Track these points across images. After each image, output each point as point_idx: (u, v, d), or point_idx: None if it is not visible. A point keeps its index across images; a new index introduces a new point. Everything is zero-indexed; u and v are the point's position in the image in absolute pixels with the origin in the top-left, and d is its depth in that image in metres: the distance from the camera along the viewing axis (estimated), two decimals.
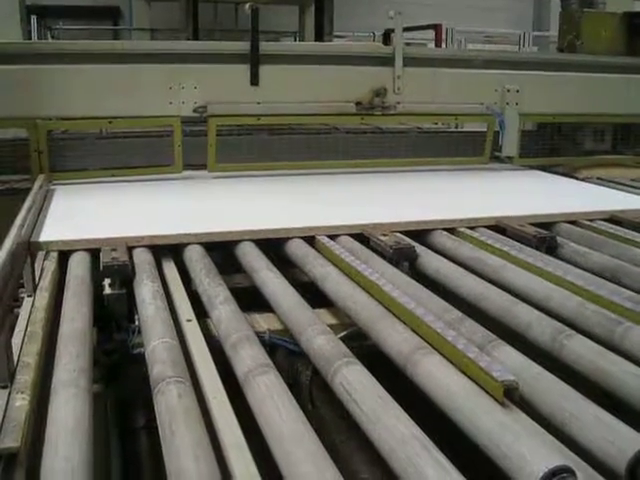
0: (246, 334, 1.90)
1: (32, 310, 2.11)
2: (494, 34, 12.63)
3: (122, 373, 2.35)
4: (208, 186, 4.19)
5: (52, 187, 3.85)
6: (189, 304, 2.26)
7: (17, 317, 2.13)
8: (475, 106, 4.80)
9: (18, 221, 2.59)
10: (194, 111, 4.23)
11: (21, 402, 1.55)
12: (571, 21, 5.35)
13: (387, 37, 5.07)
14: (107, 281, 2.45)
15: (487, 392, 1.59)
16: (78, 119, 4.18)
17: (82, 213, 3.28)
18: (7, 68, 3.95)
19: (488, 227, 3.14)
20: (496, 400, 1.56)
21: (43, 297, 2.21)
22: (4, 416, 1.54)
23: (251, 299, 2.46)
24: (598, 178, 4.47)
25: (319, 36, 9.58)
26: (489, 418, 1.48)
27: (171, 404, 1.50)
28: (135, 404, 2.59)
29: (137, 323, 2.30)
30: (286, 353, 2.27)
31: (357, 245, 2.82)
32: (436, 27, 9.65)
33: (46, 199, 3.48)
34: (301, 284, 2.57)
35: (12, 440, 1.41)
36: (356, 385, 1.63)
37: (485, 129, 4.91)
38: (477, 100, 4.79)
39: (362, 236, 2.92)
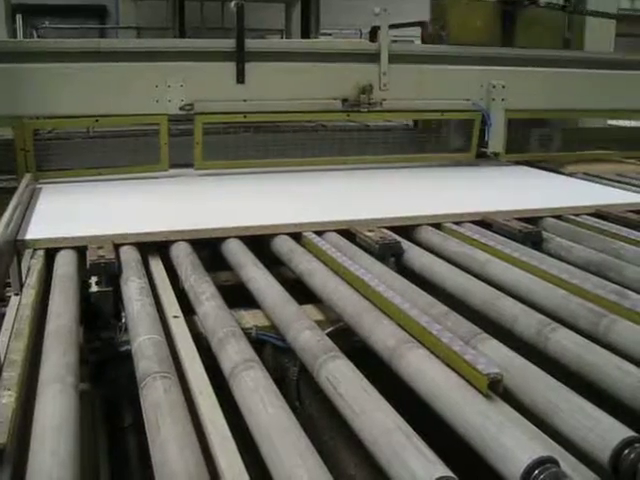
0: (232, 330, 1.91)
1: (19, 308, 2.11)
2: None
3: (109, 371, 2.35)
4: (195, 184, 4.19)
5: (38, 186, 3.84)
6: (176, 301, 2.26)
7: (4, 316, 2.13)
8: (461, 102, 4.81)
9: (4, 220, 2.58)
10: (180, 109, 4.23)
11: (7, 399, 1.55)
12: (439, 10, 5.30)
13: (374, 34, 5.06)
14: (94, 279, 2.45)
15: (472, 384, 1.61)
16: (64, 117, 4.16)
17: (68, 211, 3.28)
18: None
19: (474, 222, 3.15)
20: (480, 392, 1.58)
21: (30, 295, 2.21)
22: None
23: (238, 296, 2.47)
24: (584, 173, 4.50)
25: (305, 33, 9.59)
26: (473, 410, 1.49)
27: (157, 399, 1.51)
28: (123, 403, 2.59)
29: (124, 321, 2.30)
30: (273, 349, 2.28)
31: (344, 241, 2.82)
32: (422, 24, 9.66)
33: (32, 198, 3.47)
34: (288, 280, 2.58)
35: None
36: (341, 378, 1.64)
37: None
38: (463, 96, 4.80)
39: (349, 232, 2.92)
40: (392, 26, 4.61)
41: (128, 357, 2.03)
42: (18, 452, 1.46)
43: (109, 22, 14.45)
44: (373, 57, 4.57)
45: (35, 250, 2.65)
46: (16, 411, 1.52)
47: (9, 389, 1.60)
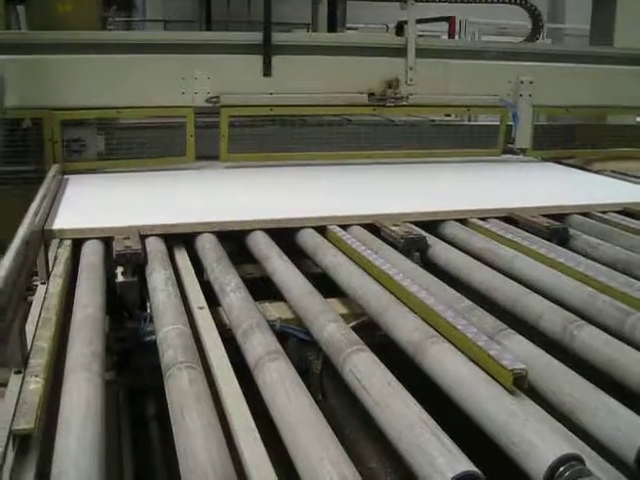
0: (257, 322, 1.91)
1: (46, 296, 2.13)
2: (508, 26, 12.55)
3: (134, 361, 2.36)
4: (220, 176, 4.20)
5: (65, 177, 3.86)
6: (201, 292, 2.27)
7: (31, 304, 2.15)
8: (488, 98, 4.78)
9: (32, 210, 2.60)
10: (207, 101, 4.24)
11: (35, 385, 1.58)
12: None
13: (400, 29, 5.05)
14: (120, 269, 2.47)
15: (496, 380, 1.60)
16: (91, 109, 4.19)
17: (95, 202, 3.30)
18: (22, 58, 3.96)
19: (500, 218, 3.13)
20: (505, 388, 1.57)
21: (57, 284, 2.23)
22: (18, 399, 1.57)
23: (262, 288, 2.48)
24: (612, 171, 4.45)
25: (332, 28, 9.56)
26: (498, 406, 1.48)
27: (182, 389, 1.52)
28: (146, 392, 2.61)
29: (149, 311, 2.31)
30: (297, 342, 2.28)
31: (368, 235, 2.82)
32: (449, 19, 9.61)
33: (60, 188, 3.50)
34: (312, 274, 2.58)
35: (26, 422, 1.44)
36: (365, 372, 1.64)
37: (498, 122, 4.89)
38: (490, 92, 4.78)
39: (373, 226, 2.92)
40: (419, 21, 4.59)
41: (152, 347, 2.04)
42: (44, 437, 1.47)
43: (135, 15, 14.49)
44: (400, 51, 4.56)
45: (62, 240, 2.68)
46: (43, 397, 1.54)
47: (36, 375, 1.62)
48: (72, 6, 4.22)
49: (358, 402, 1.63)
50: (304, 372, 2.24)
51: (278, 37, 4.40)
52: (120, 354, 2.33)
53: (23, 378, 1.64)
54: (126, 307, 2.42)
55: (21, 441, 1.43)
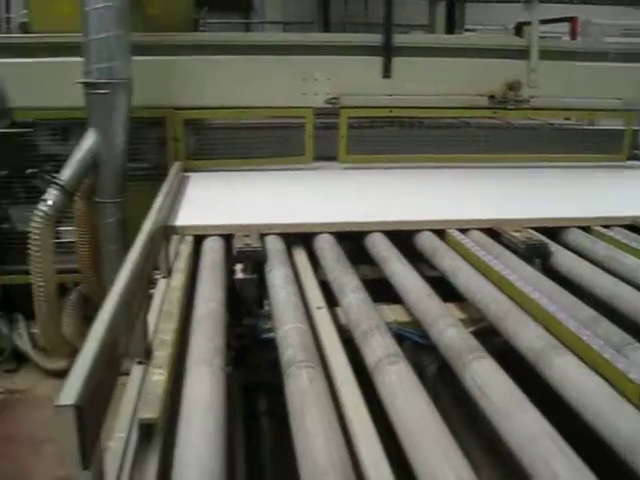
0: (376, 323, 1.91)
1: (167, 290, 2.19)
2: (633, 27, 12.12)
3: (249, 357, 2.40)
4: (338, 177, 4.22)
5: (186, 174, 3.96)
6: (319, 291, 2.28)
7: (151, 297, 2.21)
8: (613, 101, 4.62)
9: (156, 206, 2.68)
10: (326, 102, 4.27)
11: (158, 377, 1.62)
12: None
13: (519, 30, 4.94)
14: (239, 266, 2.51)
15: (624, 395, 1.54)
16: (213, 109, 4.28)
17: (215, 199, 3.37)
18: (149, 59, 4.08)
19: (624, 226, 3.02)
20: (633, 403, 1.51)
21: (178, 278, 2.29)
22: (141, 388, 1.61)
23: (378, 290, 2.46)
24: None
25: (450, 29, 9.45)
26: (627, 421, 1.42)
27: (302, 388, 1.52)
28: (258, 388, 2.64)
29: (266, 309, 2.34)
30: (412, 345, 2.26)
31: (488, 240, 2.77)
32: (571, 20, 9.36)
33: (181, 185, 3.59)
34: (429, 277, 2.55)
35: (151, 411, 1.48)
36: (487, 379, 1.61)
37: (621, 126, 4.72)
38: (615, 95, 4.62)
39: (493, 231, 2.87)
40: (540, 22, 4.49)
41: (269, 344, 2.07)
42: (167, 427, 1.51)
43: (253, 16, 14.71)
44: (522, 53, 4.47)
45: (183, 236, 2.74)
46: (166, 389, 1.58)
47: (160, 367, 1.67)
48: (161, 9, 4.32)
49: (472, 408, 1.60)
50: (418, 375, 2.22)
51: (398, 39, 4.39)
52: (238, 349, 2.36)
53: (146, 369, 1.68)
54: (244, 303, 2.45)
55: (145, 430, 1.47)
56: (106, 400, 1.32)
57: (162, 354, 1.73)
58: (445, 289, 2.42)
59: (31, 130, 4.40)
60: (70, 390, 1.12)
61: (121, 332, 1.52)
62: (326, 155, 4.43)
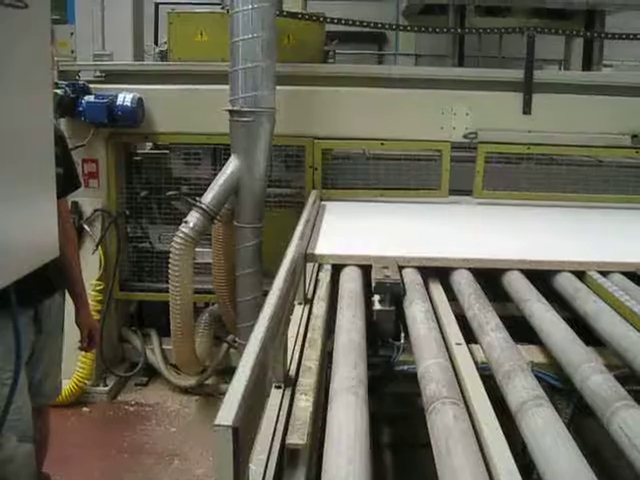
0: (519, 364, 1.88)
1: (310, 317, 2.23)
2: None
3: (380, 388, 2.40)
4: (473, 212, 4.21)
5: (322, 202, 4.03)
6: (457, 327, 2.28)
7: (289, 323, 2.26)
8: None
9: (297, 233, 2.75)
10: (464, 137, 4.27)
11: (305, 403, 1.65)
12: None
13: None
14: (376, 297, 2.53)
15: None
16: (351, 139, 4.35)
17: (352, 229, 3.42)
18: (290, 89, 4.20)
19: None
20: None
21: (320, 306, 2.33)
22: (279, 412, 1.66)
23: (513, 329, 2.44)
24: None
25: (587, 65, 9.24)
26: None
27: (447, 424, 1.52)
28: (382, 420, 2.64)
29: (402, 341, 2.35)
30: (547, 387, 2.22)
31: (631, 284, 2.69)
32: None
33: (318, 214, 3.66)
34: (567, 319, 2.51)
35: (298, 437, 1.51)
36: (636, 429, 1.56)
37: None
38: None
39: (635, 275, 2.79)
40: None
41: (402, 377, 2.07)
42: (312, 453, 1.54)
43: (386, 48, 14.81)
44: None
45: (322, 264, 2.80)
46: (312, 415, 1.61)
47: (306, 394, 1.70)
48: (297, 40, 4.44)
49: (609, 458, 1.56)
50: None
51: (539, 74, 4.36)
52: (371, 379, 2.38)
53: (293, 395, 1.72)
54: (380, 334, 2.46)
55: (292, 454, 1.51)
56: (256, 422, 1.36)
57: (308, 381, 1.77)
58: (584, 333, 2.37)
59: (168, 152, 4.61)
60: (228, 411, 1.17)
61: (269, 356, 1.57)
62: (455, 187, 4.43)
